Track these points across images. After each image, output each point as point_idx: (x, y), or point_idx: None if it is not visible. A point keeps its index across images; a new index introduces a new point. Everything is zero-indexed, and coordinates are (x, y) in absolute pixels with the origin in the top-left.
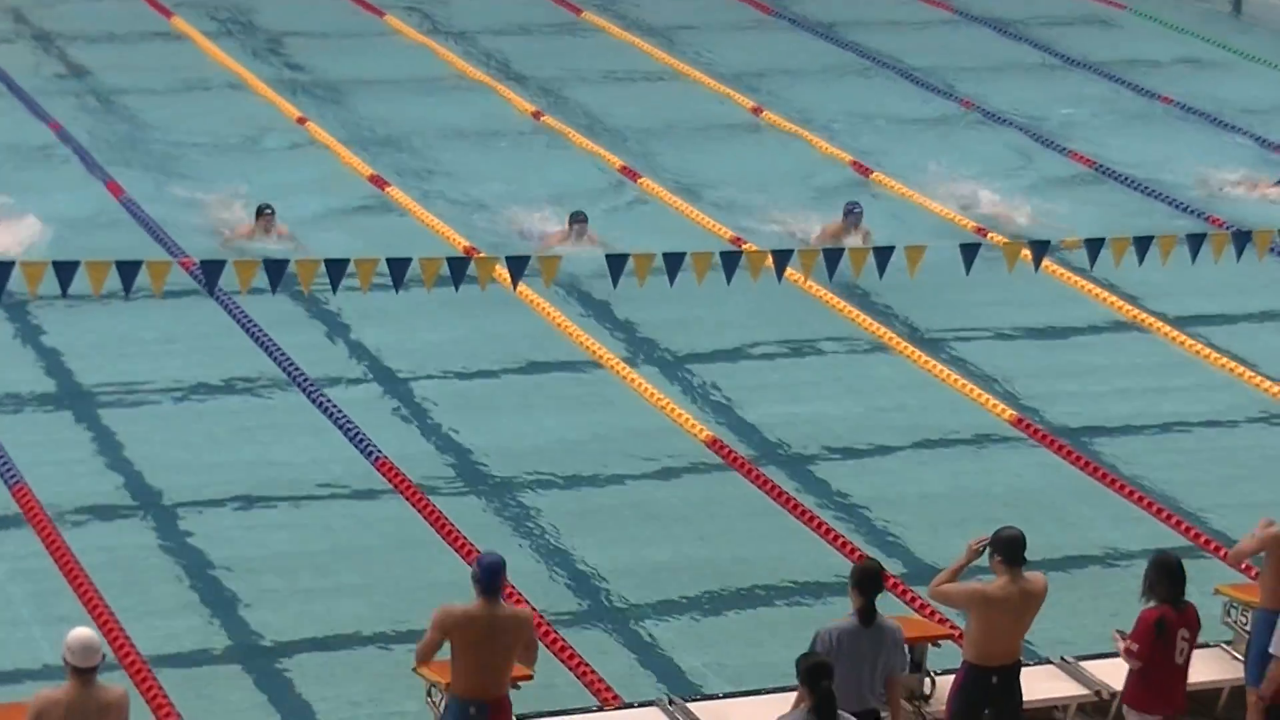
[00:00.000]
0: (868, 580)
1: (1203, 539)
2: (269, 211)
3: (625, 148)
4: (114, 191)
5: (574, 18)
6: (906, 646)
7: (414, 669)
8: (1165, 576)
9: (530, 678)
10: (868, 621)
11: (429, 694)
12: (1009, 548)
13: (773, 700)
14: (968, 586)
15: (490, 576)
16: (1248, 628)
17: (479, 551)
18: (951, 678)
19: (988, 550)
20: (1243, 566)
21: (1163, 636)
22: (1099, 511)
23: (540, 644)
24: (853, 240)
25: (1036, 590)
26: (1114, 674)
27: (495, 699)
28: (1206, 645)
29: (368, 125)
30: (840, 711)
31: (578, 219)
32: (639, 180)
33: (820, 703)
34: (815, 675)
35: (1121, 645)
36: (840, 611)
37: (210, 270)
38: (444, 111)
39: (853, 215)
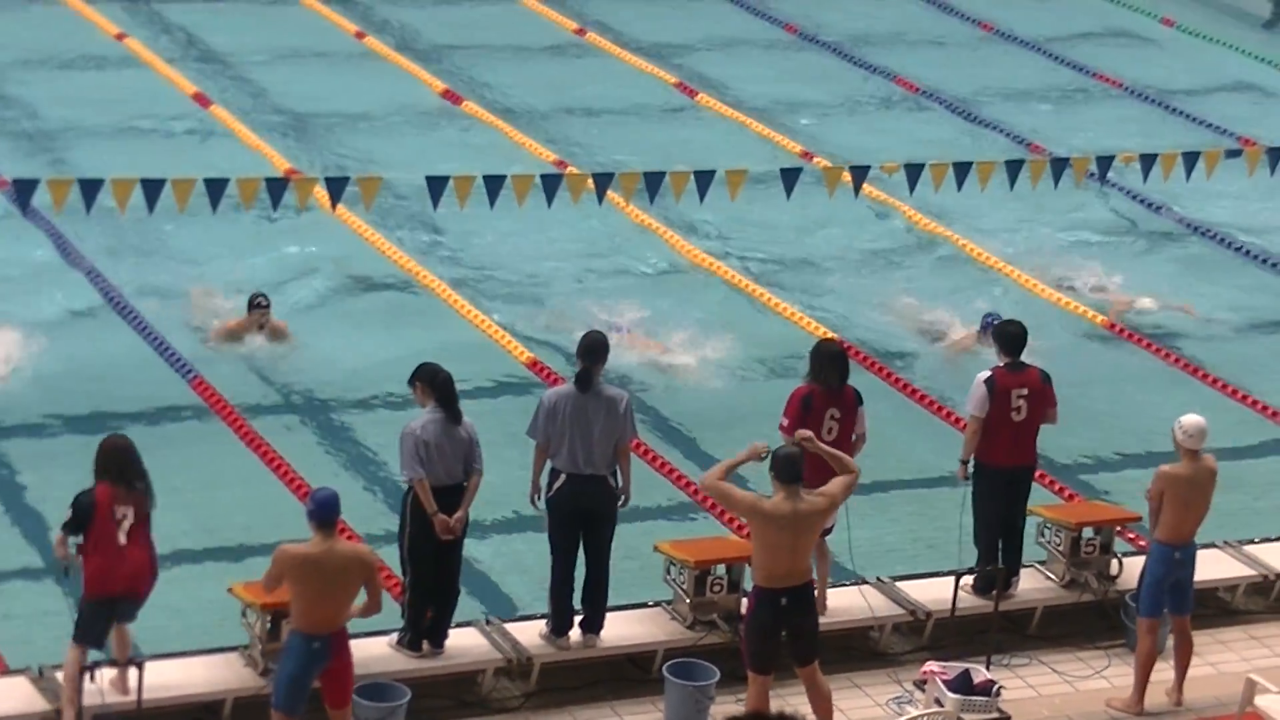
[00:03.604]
0: (591, 350)
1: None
2: (263, 304)
3: (448, 70)
4: None
5: None
6: (634, 417)
7: (229, 589)
8: (822, 361)
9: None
10: (584, 387)
11: (244, 614)
12: (786, 466)
13: None
14: (746, 494)
15: (323, 511)
16: (1061, 549)
17: (291, 469)
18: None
19: (768, 462)
20: (1058, 488)
21: (809, 411)
22: (913, 435)
23: None
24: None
25: (817, 509)
26: (929, 594)
27: (336, 632)
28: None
29: (192, 43)
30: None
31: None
32: (462, 103)
33: (443, 396)
34: (433, 373)
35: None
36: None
37: (23, 189)
38: (266, 32)
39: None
